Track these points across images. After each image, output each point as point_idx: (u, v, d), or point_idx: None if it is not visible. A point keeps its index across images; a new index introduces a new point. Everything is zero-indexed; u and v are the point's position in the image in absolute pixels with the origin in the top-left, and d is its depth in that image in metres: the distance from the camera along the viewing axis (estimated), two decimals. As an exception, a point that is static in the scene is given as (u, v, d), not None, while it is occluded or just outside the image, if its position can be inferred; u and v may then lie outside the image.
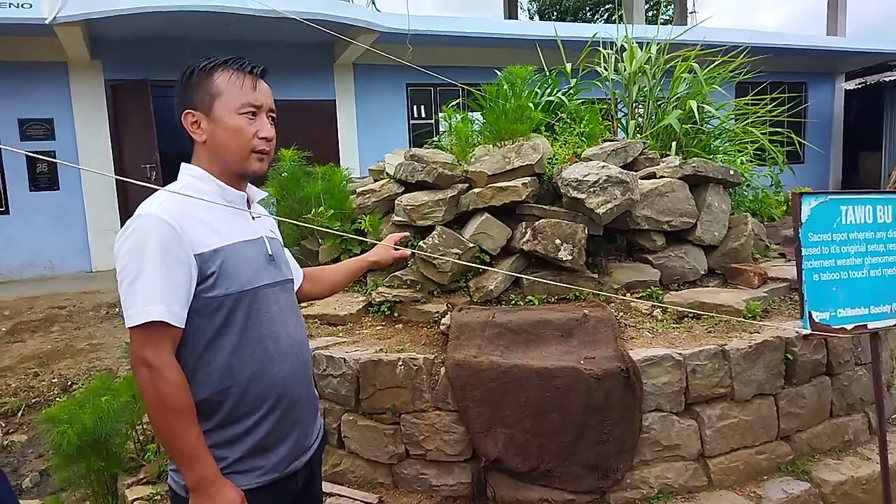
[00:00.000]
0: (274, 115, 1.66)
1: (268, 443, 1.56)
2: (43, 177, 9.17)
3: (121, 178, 5.34)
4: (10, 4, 7.80)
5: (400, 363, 2.93)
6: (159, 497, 3.08)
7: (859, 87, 13.96)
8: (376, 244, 2.28)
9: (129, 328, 1.42)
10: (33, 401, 4.86)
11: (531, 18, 26.16)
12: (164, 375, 1.41)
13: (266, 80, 1.65)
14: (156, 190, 1.55)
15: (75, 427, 2.99)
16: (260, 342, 1.55)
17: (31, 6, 7.87)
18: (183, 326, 1.46)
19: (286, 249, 1.94)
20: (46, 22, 7.51)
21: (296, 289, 1.88)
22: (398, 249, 2.22)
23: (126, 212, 9.25)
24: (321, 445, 1.80)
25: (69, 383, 5.10)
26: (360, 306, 3.60)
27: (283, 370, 1.59)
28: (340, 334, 3.39)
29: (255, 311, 1.55)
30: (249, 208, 1.69)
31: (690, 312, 3.29)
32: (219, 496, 1.44)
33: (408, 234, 2.45)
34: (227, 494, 1.46)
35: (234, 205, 1.62)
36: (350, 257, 3.86)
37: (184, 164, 1.63)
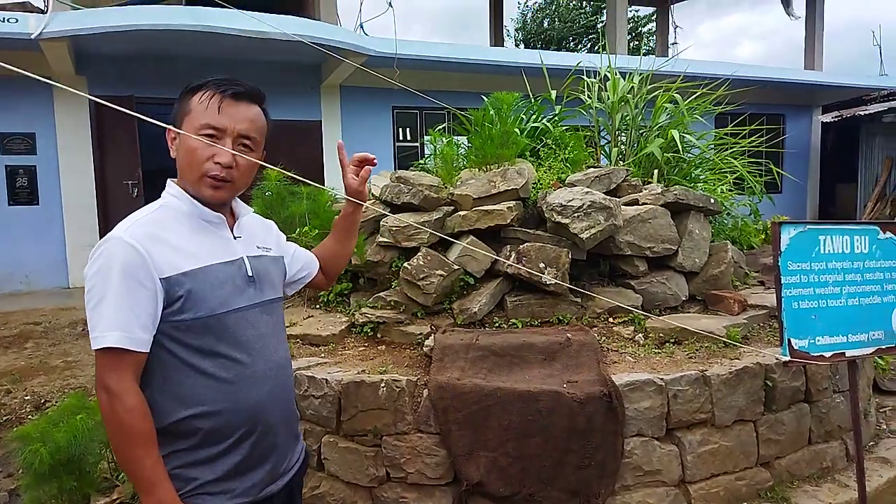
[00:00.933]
0: (247, 143, 1.57)
1: (242, 467, 1.53)
2: (22, 191, 9.05)
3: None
4: (-5, 19, 7.77)
5: (382, 385, 2.91)
6: (133, 519, 3.02)
7: (836, 119, 14.27)
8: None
9: (94, 351, 1.41)
10: (5, 418, 4.74)
11: (517, 46, 26.52)
12: (122, 401, 1.39)
13: (257, 104, 1.60)
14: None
15: (48, 446, 2.92)
16: (233, 366, 1.51)
17: (16, 21, 7.84)
18: (145, 350, 1.43)
19: (294, 245, 1.93)
20: (32, 37, 7.48)
21: (313, 278, 1.95)
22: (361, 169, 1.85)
23: (106, 228, 9.14)
24: (301, 468, 1.76)
25: (42, 401, 4.98)
26: (343, 327, 3.58)
27: (260, 394, 1.55)
28: (322, 355, 3.36)
29: (229, 334, 1.51)
30: (233, 226, 1.64)
31: (672, 338, 3.32)
32: None
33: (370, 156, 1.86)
34: None
35: (212, 224, 1.57)
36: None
37: (169, 181, 1.61)
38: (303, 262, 1.93)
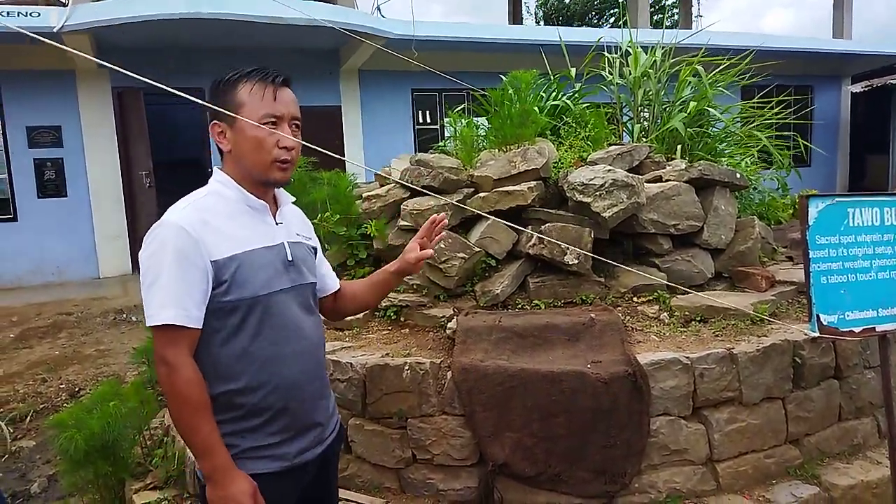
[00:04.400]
0: (298, 124, 1.69)
1: (279, 438, 1.62)
2: (51, 184, 9.23)
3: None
4: (18, 13, 7.87)
5: (406, 368, 2.93)
6: (167, 502, 3.09)
7: (866, 89, 13.92)
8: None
9: (150, 328, 1.51)
10: (41, 406, 4.88)
11: (537, 23, 26.18)
12: (179, 373, 1.49)
13: (291, 88, 1.69)
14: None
15: (83, 432, 2.99)
16: (272, 345, 1.60)
17: (39, 15, 7.94)
18: (199, 326, 1.52)
19: (325, 260, 1.97)
20: (54, 30, 7.57)
21: (324, 295, 1.94)
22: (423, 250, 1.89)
23: (132, 219, 9.29)
24: (337, 439, 1.86)
25: (77, 389, 5.12)
26: (367, 311, 3.60)
27: (294, 371, 1.64)
28: (347, 339, 3.39)
29: (269, 315, 1.59)
30: (276, 213, 1.72)
31: (698, 316, 3.28)
32: (231, 486, 1.51)
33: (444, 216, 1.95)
34: (240, 485, 1.52)
35: (256, 211, 1.66)
36: (356, 262, 3.88)
37: (215, 169, 1.70)
38: (324, 272, 1.96)
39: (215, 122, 1.65)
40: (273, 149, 1.61)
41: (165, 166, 12.03)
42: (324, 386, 1.79)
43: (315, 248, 1.88)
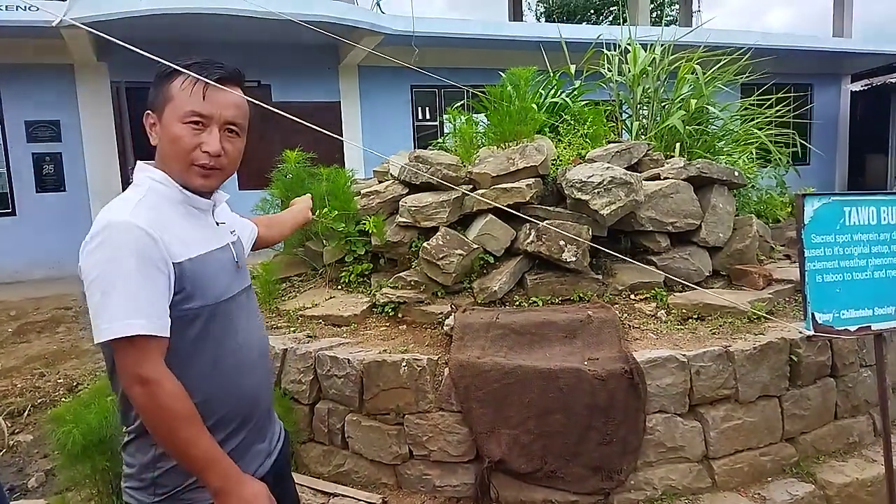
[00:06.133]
0: (234, 129, 1.51)
1: (241, 450, 1.54)
2: (49, 178, 9.21)
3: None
4: (17, 7, 7.85)
5: (404, 364, 2.93)
6: (164, 497, 3.09)
7: (865, 88, 13.90)
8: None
9: (106, 342, 1.31)
10: (39, 401, 4.88)
11: (538, 20, 26.15)
12: (163, 387, 1.32)
13: (240, 86, 1.53)
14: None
15: (80, 427, 2.99)
16: (234, 353, 1.51)
17: (37, 9, 7.91)
18: (168, 336, 1.36)
19: (235, 216, 1.87)
20: (53, 24, 7.55)
21: (253, 240, 1.96)
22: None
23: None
24: (285, 445, 1.78)
25: (75, 384, 5.11)
26: (365, 307, 3.60)
27: (254, 380, 1.57)
28: (345, 335, 3.39)
29: (228, 321, 1.50)
30: (213, 213, 1.59)
31: (695, 314, 3.29)
32: (246, 492, 1.40)
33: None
34: (254, 487, 1.42)
35: (201, 211, 1.54)
36: (354, 258, 3.89)
37: (141, 164, 1.53)
38: (248, 235, 1.94)
39: (148, 111, 1.50)
40: (192, 151, 1.44)
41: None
42: (271, 393, 1.74)
43: (240, 237, 1.77)
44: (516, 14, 18.51)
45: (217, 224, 1.59)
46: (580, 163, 3.79)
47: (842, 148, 14.81)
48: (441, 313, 3.36)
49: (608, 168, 3.48)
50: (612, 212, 3.38)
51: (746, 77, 5.37)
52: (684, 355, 2.83)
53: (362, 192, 4.07)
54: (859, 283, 2.70)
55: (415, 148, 10.22)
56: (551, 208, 3.62)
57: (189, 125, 1.44)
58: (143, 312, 1.31)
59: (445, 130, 9.02)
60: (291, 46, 9.83)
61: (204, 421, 1.40)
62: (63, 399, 4.75)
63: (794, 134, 5.72)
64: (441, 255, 3.40)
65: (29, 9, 7.81)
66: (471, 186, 3.79)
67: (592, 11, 26.30)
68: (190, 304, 1.41)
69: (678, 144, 4.61)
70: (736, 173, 3.97)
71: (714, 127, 5.19)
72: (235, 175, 1.77)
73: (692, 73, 5.08)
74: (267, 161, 4.61)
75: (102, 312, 1.31)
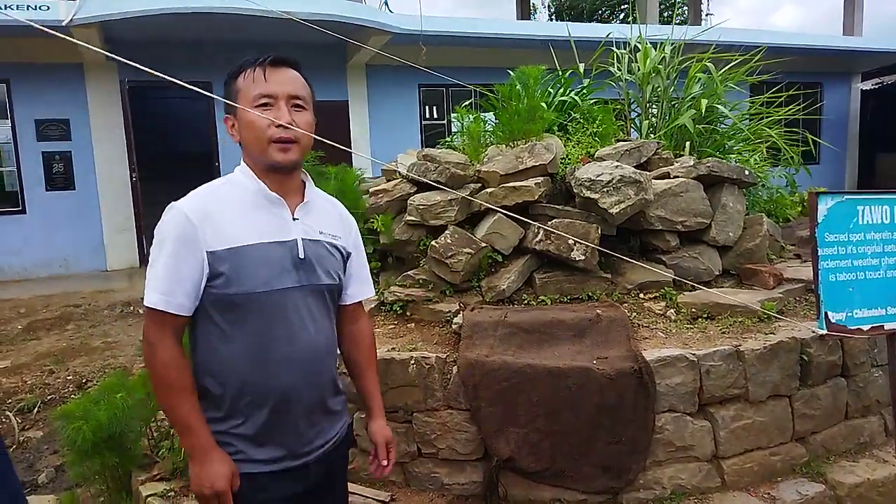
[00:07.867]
0: (298, 103, 1.62)
1: (259, 439, 1.58)
2: (59, 176, 9.26)
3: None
4: (27, 7, 7.90)
5: (412, 362, 2.93)
6: (173, 493, 3.10)
7: (876, 87, 13.80)
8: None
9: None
10: (49, 397, 4.91)
11: (549, 19, 26.11)
12: (157, 353, 1.52)
13: (294, 68, 1.66)
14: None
15: (90, 423, 3.00)
16: (269, 344, 1.55)
17: (48, 8, 7.96)
18: (185, 314, 1.53)
19: (366, 271, 1.86)
20: (63, 24, 7.59)
21: (345, 304, 1.81)
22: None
23: (140, 211, 9.32)
24: (341, 447, 1.79)
25: (84, 380, 5.14)
26: (373, 305, 3.60)
27: (290, 374, 1.57)
28: (353, 333, 3.39)
29: (268, 313, 1.54)
30: (297, 207, 1.63)
31: (705, 313, 3.27)
32: (208, 466, 1.51)
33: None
34: (217, 467, 1.52)
35: (272, 204, 1.60)
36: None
37: (242, 161, 1.68)
38: (351, 281, 1.81)
39: (227, 115, 1.64)
40: (268, 128, 1.55)
41: (173, 159, 12.05)
42: (322, 393, 1.67)
43: (343, 250, 1.74)
44: (524, 13, 18.49)
45: (295, 219, 1.63)
46: (589, 161, 3.77)
47: (852, 147, 14.72)
48: (449, 312, 3.35)
49: (617, 166, 3.46)
50: (622, 210, 3.36)
51: (756, 77, 5.35)
52: (694, 354, 2.82)
53: (371, 190, 4.06)
54: (872, 282, 2.68)
55: (423, 146, 10.22)
56: (560, 207, 3.61)
57: (259, 108, 1.57)
58: (160, 289, 1.50)
59: (453, 130, 9.01)
60: (298, 46, 9.82)
61: (220, 399, 1.57)
62: (72, 396, 4.78)
63: (805, 132, 5.69)
64: (449, 254, 3.39)
65: (38, 8, 7.86)
66: (479, 185, 3.79)
67: (603, 10, 26.24)
68: (227, 290, 1.52)
69: (688, 143, 4.59)
70: (746, 172, 3.95)
71: (724, 126, 5.17)
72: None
73: (703, 72, 5.06)
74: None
75: (146, 282, 1.53)
